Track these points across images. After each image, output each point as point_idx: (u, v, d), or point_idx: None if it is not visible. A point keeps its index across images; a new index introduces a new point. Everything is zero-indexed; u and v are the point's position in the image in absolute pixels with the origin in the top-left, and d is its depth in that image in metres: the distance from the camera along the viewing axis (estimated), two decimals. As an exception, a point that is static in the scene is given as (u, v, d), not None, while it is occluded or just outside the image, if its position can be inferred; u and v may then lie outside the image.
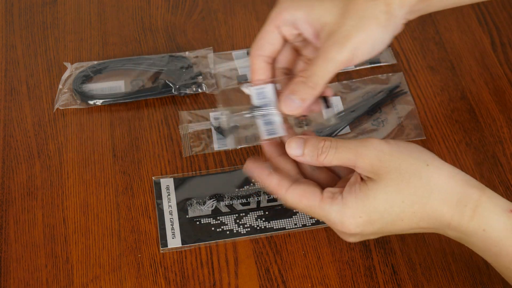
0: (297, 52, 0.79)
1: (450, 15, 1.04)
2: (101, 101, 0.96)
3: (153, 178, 0.89)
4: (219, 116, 0.95)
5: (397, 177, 0.70)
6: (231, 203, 0.87)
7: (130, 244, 0.84)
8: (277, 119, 0.75)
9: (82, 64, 1.00)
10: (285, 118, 0.76)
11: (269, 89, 0.76)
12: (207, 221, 0.86)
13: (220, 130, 0.93)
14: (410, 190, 0.70)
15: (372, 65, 0.99)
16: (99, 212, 0.87)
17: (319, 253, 0.83)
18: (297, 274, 0.82)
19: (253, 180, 0.89)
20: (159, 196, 0.88)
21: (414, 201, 0.71)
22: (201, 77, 0.98)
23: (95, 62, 1.00)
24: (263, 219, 0.86)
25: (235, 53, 1.01)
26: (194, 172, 0.90)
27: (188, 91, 0.97)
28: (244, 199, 0.87)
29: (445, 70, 0.99)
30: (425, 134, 0.93)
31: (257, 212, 0.86)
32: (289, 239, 0.84)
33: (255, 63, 0.77)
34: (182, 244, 0.84)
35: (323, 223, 0.84)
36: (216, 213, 0.86)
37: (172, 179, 0.89)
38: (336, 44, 0.72)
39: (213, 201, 0.87)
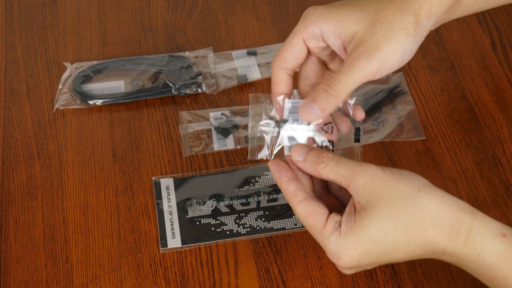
0: (324, 66, 0.79)
1: (450, 15, 1.04)
2: (101, 101, 0.96)
3: (153, 178, 0.89)
4: (219, 116, 0.95)
5: (389, 203, 0.70)
6: (231, 203, 0.87)
7: (130, 244, 0.84)
8: (303, 137, 0.76)
9: (82, 64, 1.00)
10: (312, 138, 0.76)
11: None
12: (207, 221, 0.86)
13: (220, 130, 0.93)
14: (402, 217, 0.70)
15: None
16: (99, 212, 0.87)
17: (319, 253, 0.83)
18: (297, 274, 0.82)
19: (253, 180, 0.89)
20: (159, 196, 0.88)
21: (407, 228, 0.70)
22: (201, 77, 0.98)
23: (95, 62, 1.00)
24: (263, 219, 0.86)
25: (235, 53, 1.01)
26: (194, 172, 0.90)
27: (188, 91, 0.97)
28: (244, 199, 0.87)
29: (445, 70, 0.99)
30: (425, 134, 0.93)
31: (257, 212, 0.86)
32: (289, 239, 0.84)
33: (278, 76, 0.77)
34: (182, 244, 0.84)
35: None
36: (216, 213, 0.86)
37: (172, 179, 0.89)
38: (365, 53, 0.72)
39: (213, 201, 0.87)
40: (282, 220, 0.86)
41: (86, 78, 0.98)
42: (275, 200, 0.87)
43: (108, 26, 1.05)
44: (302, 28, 0.75)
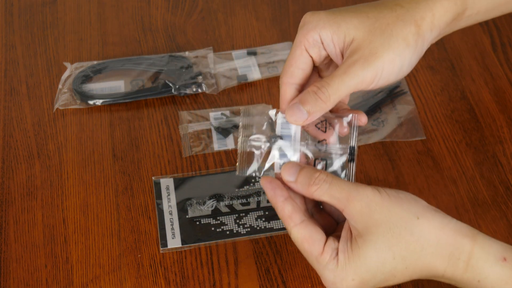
0: (318, 75, 0.76)
1: (450, 15, 1.04)
2: (101, 101, 0.96)
3: (153, 178, 0.89)
4: (219, 116, 0.95)
5: (387, 232, 0.68)
6: (231, 203, 0.87)
7: (130, 244, 0.84)
8: (296, 154, 0.73)
9: (82, 64, 1.00)
10: (304, 155, 0.73)
11: None
12: (207, 221, 0.86)
13: (220, 130, 0.93)
14: (401, 246, 0.68)
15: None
16: (99, 212, 0.87)
17: (319, 253, 0.83)
18: (297, 274, 0.82)
19: (253, 181, 0.89)
20: (159, 196, 0.88)
21: (405, 256, 0.68)
22: (201, 77, 0.98)
23: (95, 62, 1.00)
24: (263, 219, 0.86)
25: (235, 53, 1.01)
26: (194, 172, 0.90)
27: (188, 91, 0.97)
28: (244, 199, 0.87)
29: (445, 70, 0.99)
30: (425, 134, 0.93)
31: (257, 212, 0.86)
32: (289, 239, 0.84)
33: (287, 92, 0.73)
34: (182, 244, 0.84)
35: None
36: (216, 213, 0.86)
37: (172, 179, 0.89)
38: (360, 59, 0.70)
39: (213, 201, 0.87)
40: (282, 220, 0.85)
41: (86, 78, 0.98)
42: (275, 200, 0.87)
43: (108, 26, 1.05)
44: (302, 37, 0.73)
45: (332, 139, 0.73)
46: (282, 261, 0.83)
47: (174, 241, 0.84)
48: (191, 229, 0.85)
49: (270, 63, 1.00)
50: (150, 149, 0.92)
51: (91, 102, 0.96)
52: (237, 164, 0.74)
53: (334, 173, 0.73)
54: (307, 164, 0.73)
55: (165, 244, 0.84)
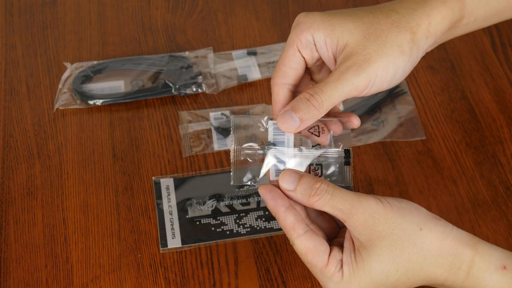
0: (310, 77, 0.75)
1: (450, 15, 1.04)
2: (101, 101, 0.96)
3: (153, 178, 0.89)
4: (219, 116, 0.95)
5: (390, 244, 0.68)
6: (231, 203, 0.87)
7: (130, 244, 0.84)
8: (290, 162, 0.71)
9: (82, 64, 1.00)
10: (299, 161, 0.72)
11: None
12: (207, 221, 0.86)
13: (220, 130, 0.93)
14: (404, 257, 0.68)
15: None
16: (99, 212, 0.87)
17: (319, 253, 0.83)
18: (297, 274, 0.82)
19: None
20: (159, 196, 0.88)
21: (408, 268, 0.69)
22: (201, 77, 0.98)
23: (95, 62, 1.00)
24: (263, 219, 0.86)
25: (235, 53, 1.01)
26: (194, 172, 0.90)
27: (188, 91, 0.97)
28: (244, 199, 0.87)
29: (445, 70, 0.99)
30: (425, 134, 0.93)
31: (257, 212, 0.86)
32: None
33: (280, 93, 0.72)
34: (182, 244, 0.84)
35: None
36: (216, 213, 0.86)
37: (172, 179, 0.89)
38: (354, 66, 0.68)
39: (213, 201, 0.87)
40: (282, 220, 0.85)
41: (86, 78, 0.98)
42: (275, 200, 0.87)
43: (108, 26, 1.05)
44: (294, 37, 0.71)
45: (326, 143, 0.72)
46: (282, 261, 0.83)
47: (174, 241, 0.84)
48: (191, 229, 0.85)
49: (270, 63, 1.00)
50: (150, 149, 0.92)
51: (91, 102, 0.96)
52: (231, 173, 0.72)
53: (330, 177, 0.72)
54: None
55: (165, 244, 0.84)
